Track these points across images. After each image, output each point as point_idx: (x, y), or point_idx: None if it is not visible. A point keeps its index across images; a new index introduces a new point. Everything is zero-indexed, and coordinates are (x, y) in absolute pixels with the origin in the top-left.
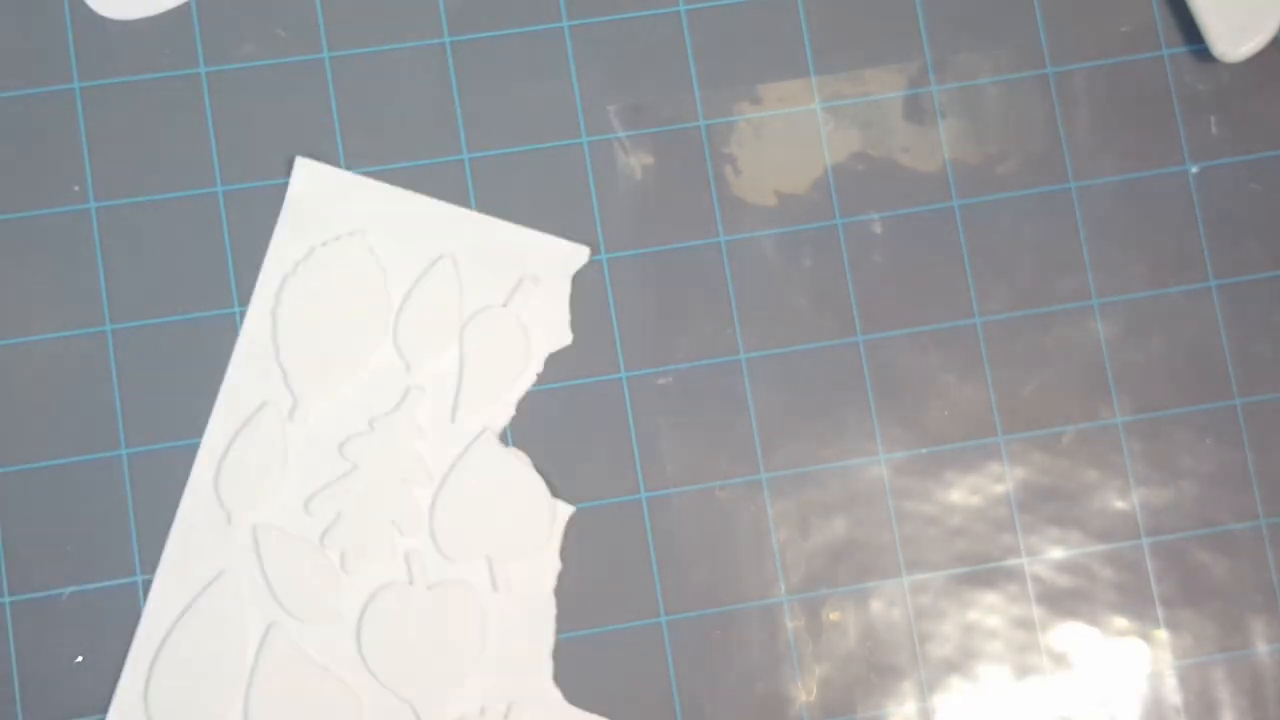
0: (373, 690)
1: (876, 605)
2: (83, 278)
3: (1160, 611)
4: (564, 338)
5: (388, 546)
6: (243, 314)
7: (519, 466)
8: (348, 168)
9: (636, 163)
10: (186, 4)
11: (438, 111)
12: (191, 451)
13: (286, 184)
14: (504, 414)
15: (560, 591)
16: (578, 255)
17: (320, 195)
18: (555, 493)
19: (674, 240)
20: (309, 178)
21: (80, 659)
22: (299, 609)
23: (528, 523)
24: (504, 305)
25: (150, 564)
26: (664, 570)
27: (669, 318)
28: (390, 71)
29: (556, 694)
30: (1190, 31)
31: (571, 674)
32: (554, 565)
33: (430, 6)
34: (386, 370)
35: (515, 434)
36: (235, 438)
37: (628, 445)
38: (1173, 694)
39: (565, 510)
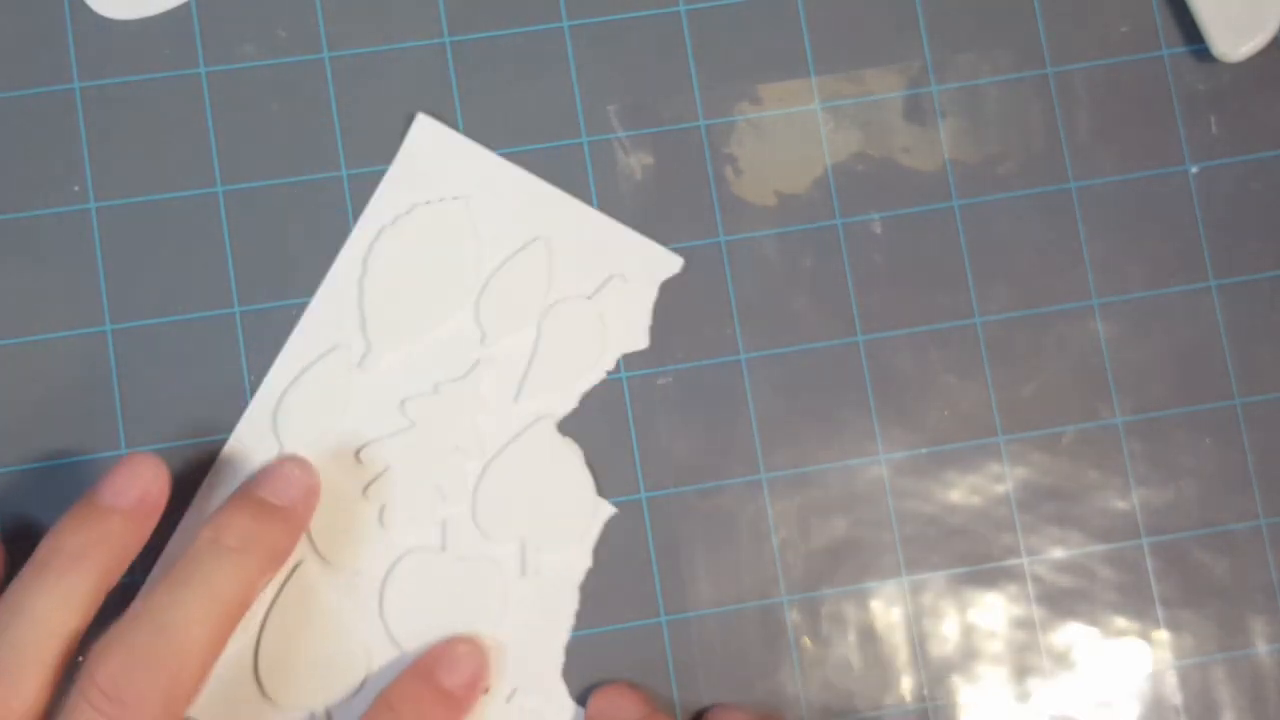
0: (384, 648)
1: (876, 605)
2: (83, 278)
3: (1160, 611)
4: (641, 340)
5: (427, 510)
6: (243, 314)
7: (571, 458)
8: (348, 167)
9: (636, 163)
10: (186, 4)
11: (438, 111)
12: (191, 451)
13: (286, 183)
14: (567, 403)
15: (583, 589)
16: (672, 263)
17: (434, 154)
18: (600, 492)
19: (674, 240)
20: (426, 135)
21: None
22: (329, 553)
23: (568, 515)
24: (589, 298)
25: (150, 567)
26: (664, 570)
27: (669, 318)
28: (390, 71)
29: (562, 687)
30: (1190, 31)
31: (571, 673)
32: (585, 561)
33: (430, 6)
34: (462, 338)
35: None
36: (303, 372)
37: (628, 445)
38: (1173, 694)
39: (606, 510)
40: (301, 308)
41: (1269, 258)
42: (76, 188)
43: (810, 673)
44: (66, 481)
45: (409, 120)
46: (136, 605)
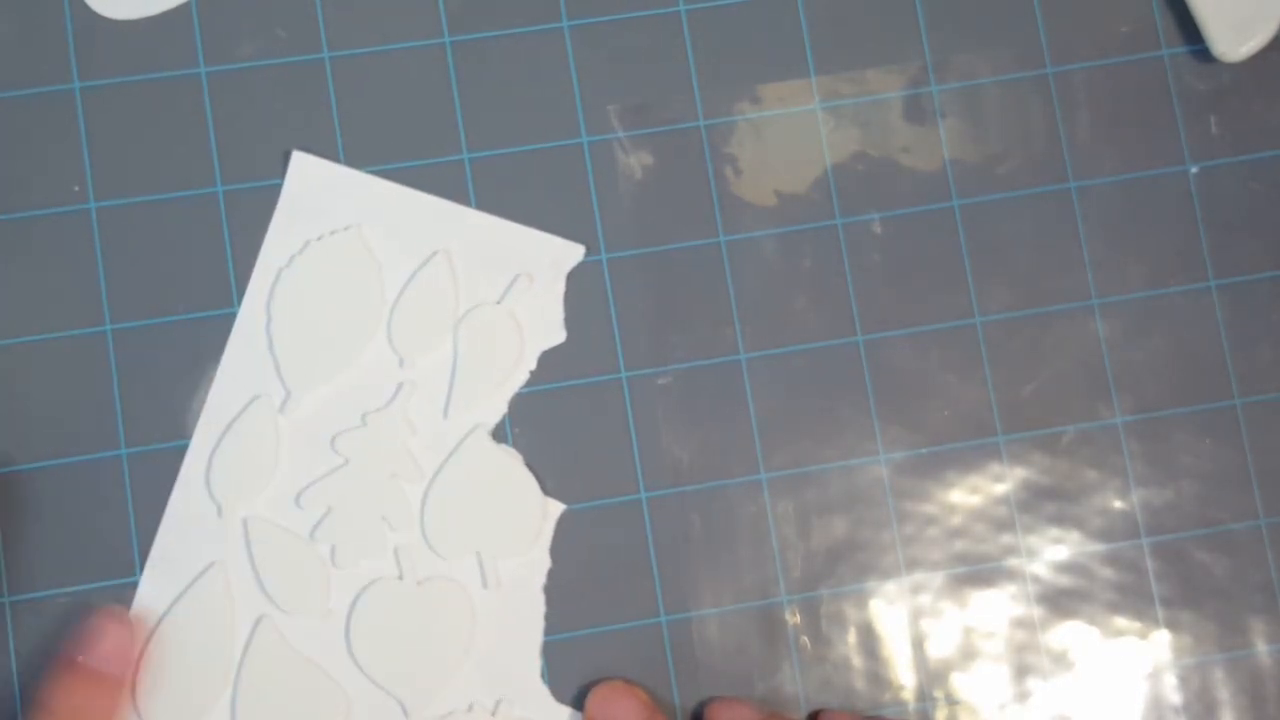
0: (360, 685)
1: (876, 605)
2: (83, 278)
3: (1160, 611)
4: (558, 335)
5: (378, 541)
6: None
7: (511, 464)
8: (348, 167)
9: (636, 163)
10: (186, 4)
11: (438, 111)
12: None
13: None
14: (496, 411)
15: (560, 591)
16: (573, 253)
17: (316, 189)
18: (548, 491)
19: (674, 240)
20: (305, 171)
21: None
22: (288, 602)
23: (518, 520)
24: (498, 302)
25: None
26: (664, 569)
27: (669, 318)
28: (390, 71)
29: (544, 691)
30: (1190, 31)
31: (572, 674)
32: (544, 563)
33: (430, 6)
34: (380, 365)
35: (515, 434)
36: (227, 430)
37: (628, 445)
38: (1173, 694)
39: (556, 508)
40: None
41: (1269, 258)
42: (76, 188)
43: (810, 672)
44: (66, 481)
45: (409, 121)
46: None
